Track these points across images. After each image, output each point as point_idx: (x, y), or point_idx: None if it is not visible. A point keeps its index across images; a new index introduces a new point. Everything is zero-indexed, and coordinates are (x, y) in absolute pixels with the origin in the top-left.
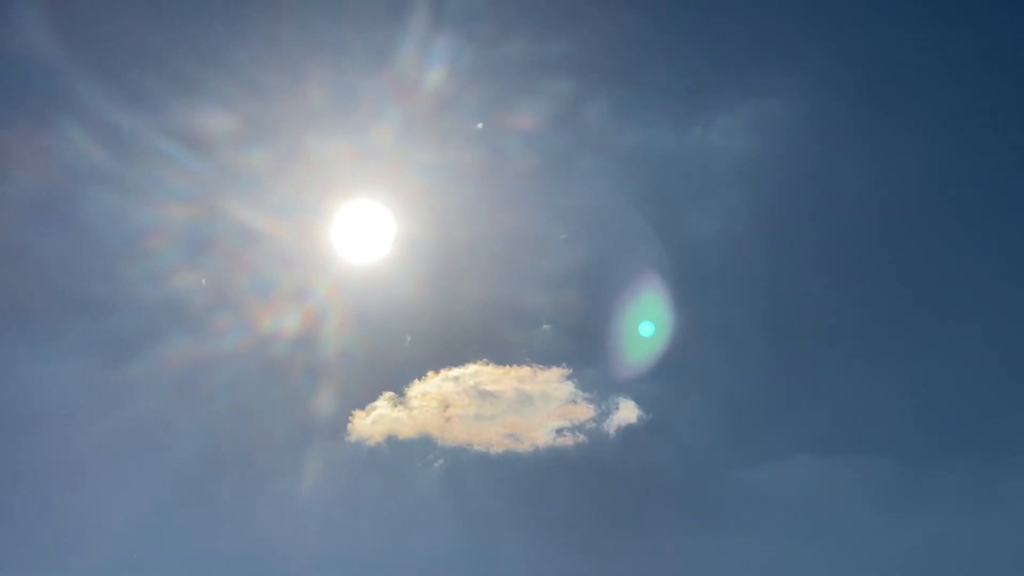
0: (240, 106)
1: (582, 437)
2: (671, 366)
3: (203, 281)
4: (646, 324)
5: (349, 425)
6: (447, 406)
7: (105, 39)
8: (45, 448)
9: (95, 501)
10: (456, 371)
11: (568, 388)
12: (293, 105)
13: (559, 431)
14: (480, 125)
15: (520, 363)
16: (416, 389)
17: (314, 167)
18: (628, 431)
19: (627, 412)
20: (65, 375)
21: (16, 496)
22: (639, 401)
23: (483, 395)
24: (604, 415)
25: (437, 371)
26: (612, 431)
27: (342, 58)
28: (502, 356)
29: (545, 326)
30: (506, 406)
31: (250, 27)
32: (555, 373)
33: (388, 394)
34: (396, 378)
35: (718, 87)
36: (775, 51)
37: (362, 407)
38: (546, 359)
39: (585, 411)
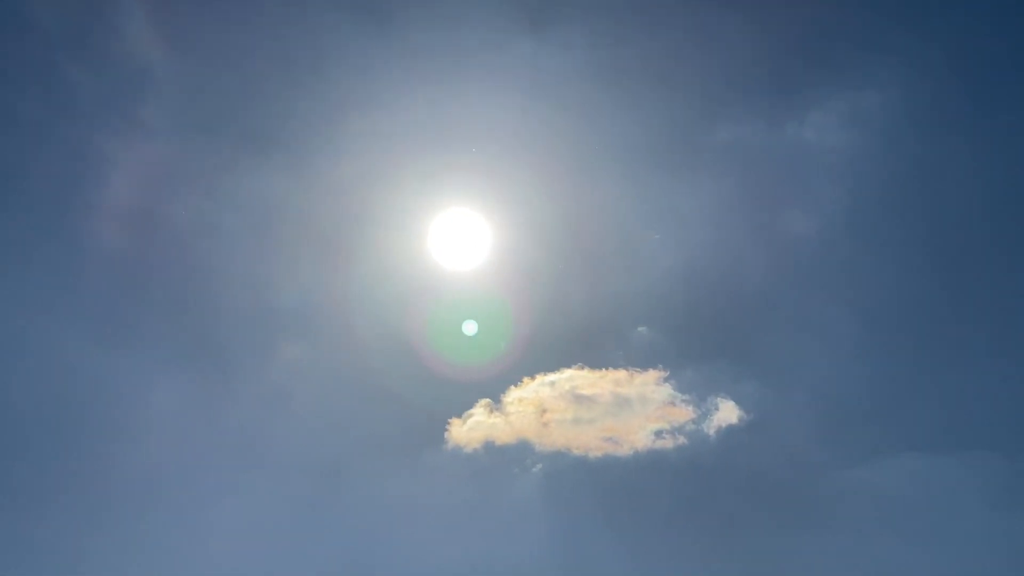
0: (342, 116)
1: (682, 439)
2: (771, 365)
3: (306, 290)
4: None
5: (446, 432)
6: (544, 411)
7: (207, 49)
8: (152, 455)
9: (199, 508)
10: (552, 376)
11: (665, 390)
12: (394, 115)
13: (658, 433)
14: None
15: (616, 366)
16: (513, 395)
17: (414, 176)
18: (729, 432)
19: (727, 413)
20: (170, 384)
21: (122, 502)
22: (739, 401)
23: (580, 399)
24: (703, 416)
25: (533, 377)
26: (712, 432)
27: (442, 70)
28: (597, 360)
29: (641, 328)
30: (603, 410)
31: (361, 38)
32: (651, 375)
33: (485, 401)
34: (493, 385)
35: (812, 81)
36: (871, 42)
37: (459, 414)
38: (642, 361)
39: (684, 413)
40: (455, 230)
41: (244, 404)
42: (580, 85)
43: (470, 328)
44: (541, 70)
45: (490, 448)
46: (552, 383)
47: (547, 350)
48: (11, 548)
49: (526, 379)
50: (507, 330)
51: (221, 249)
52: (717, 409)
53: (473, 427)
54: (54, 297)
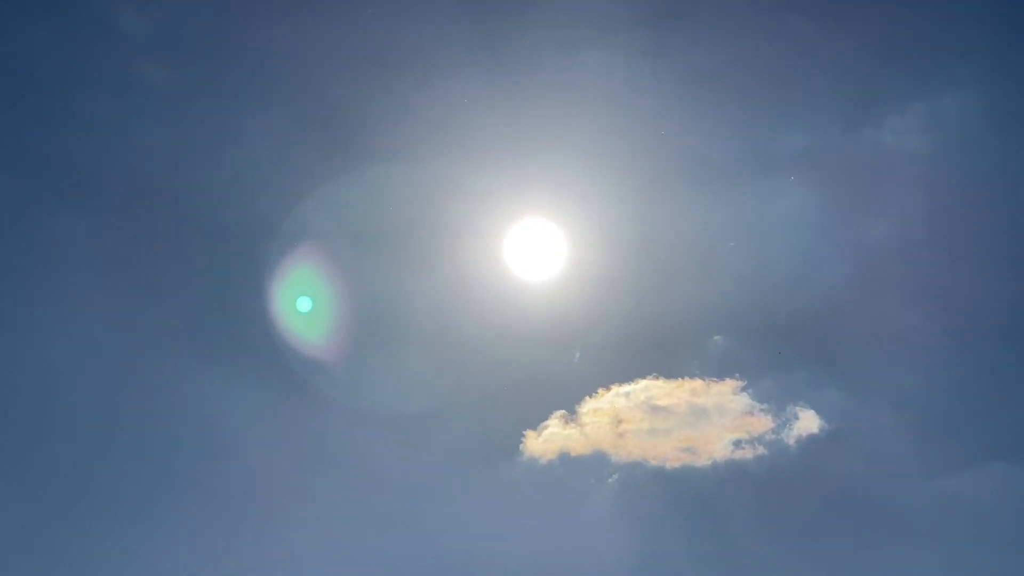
0: (412, 124)
1: (761, 449)
2: (852, 373)
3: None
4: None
5: (522, 444)
6: (619, 422)
7: (301, 58)
8: (238, 466)
9: (280, 523)
10: (627, 387)
11: (743, 400)
12: (466, 124)
13: (737, 443)
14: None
15: (692, 376)
16: (587, 406)
17: (487, 185)
18: (810, 441)
19: (808, 422)
20: (253, 395)
21: (198, 518)
22: (819, 410)
23: (655, 410)
24: (783, 426)
25: (608, 387)
26: (792, 442)
27: (516, 81)
28: (673, 370)
29: (716, 337)
30: (680, 420)
31: (439, 43)
32: (728, 385)
33: (560, 412)
34: (567, 396)
35: (888, 84)
36: (948, 44)
37: (534, 426)
38: (718, 371)
39: (763, 422)
40: (530, 240)
41: (322, 417)
42: (654, 93)
43: (544, 338)
44: (614, 79)
45: (565, 459)
46: (627, 393)
47: (622, 360)
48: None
49: (601, 390)
50: (580, 340)
51: (301, 258)
52: (797, 418)
53: (548, 439)
54: (138, 300)
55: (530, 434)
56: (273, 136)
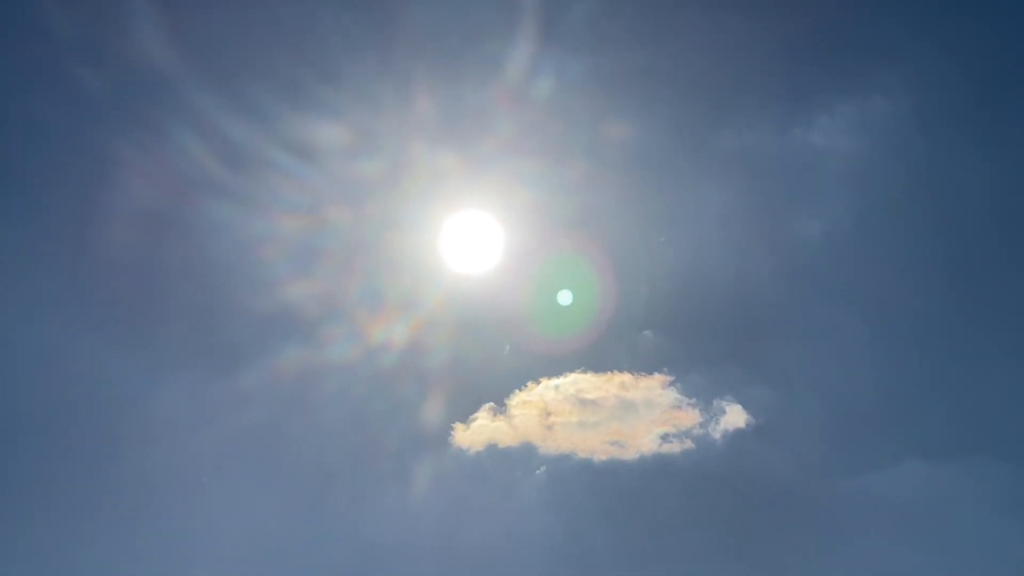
0: (351, 118)
1: (688, 443)
2: (779, 369)
3: (313, 292)
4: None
5: (451, 436)
6: (548, 414)
7: (219, 53)
8: (160, 458)
9: (208, 510)
10: (556, 380)
11: (671, 394)
12: (403, 117)
13: (664, 437)
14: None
15: (620, 370)
16: (516, 399)
17: (421, 178)
18: (736, 436)
19: (734, 417)
20: (179, 386)
21: (131, 505)
22: (746, 405)
23: (584, 403)
24: (710, 420)
25: (537, 380)
26: (719, 436)
27: (452, 70)
28: (602, 364)
29: (646, 332)
30: (608, 413)
31: (361, 40)
32: (657, 380)
33: (488, 404)
34: (496, 388)
35: (819, 86)
36: (879, 47)
37: (463, 418)
38: (647, 366)
39: (690, 417)
40: (461, 233)
41: (253, 407)
42: (584, 89)
43: (476, 331)
44: (544, 74)
45: (493, 451)
46: (556, 387)
47: (551, 354)
48: (14, 549)
49: (530, 383)
50: (511, 334)
51: (230, 251)
52: (724, 413)
53: (477, 431)
54: (65, 301)
55: (459, 426)
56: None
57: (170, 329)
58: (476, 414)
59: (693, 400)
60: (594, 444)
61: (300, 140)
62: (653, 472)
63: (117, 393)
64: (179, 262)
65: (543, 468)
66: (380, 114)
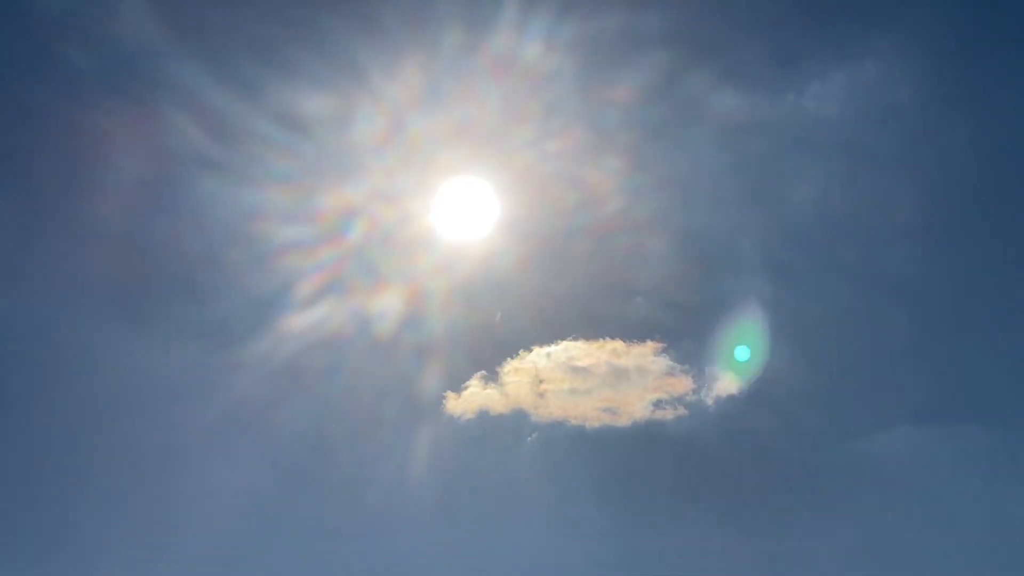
0: (339, 86)
1: (681, 409)
2: (771, 335)
3: (304, 264)
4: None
5: (442, 405)
6: (540, 382)
7: (205, 23)
8: (154, 433)
9: (204, 484)
10: (548, 348)
11: (664, 361)
12: (393, 84)
13: (657, 404)
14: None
15: (612, 337)
16: (508, 367)
17: (412, 145)
18: (728, 402)
19: (727, 383)
20: (172, 360)
21: (125, 481)
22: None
23: (576, 370)
24: (703, 387)
25: (529, 349)
26: (712, 402)
27: (442, 35)
28: (593, 331)
29: (637, 299)
30: (600, 380)
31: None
32: (649, 347)
33: (480, 373)
34: (488, 357)
35: (811, 52)
36: (870, 12)
37: (455, 387)
38: (639, 333)
39: (683, 383)
40: (452, 201)
41: (246, 379)
42: (575, 53)
43: (467, 300)
44: (535, 38)
45: (485, 418)
46: (548, 355)
47: (543, 322)
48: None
49: (522, 351)
50: (502, 302)
51: (222, 224)
52: (716, 379)
53: (468, 398)
54: (59, 282)
55: (451, 395)
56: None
57: (163, 303)
58: (468, 382)
59: (686, 367)
60: (586, 411)
61: (290, 110)
62: (646, 439)
63: (113, 366)
64: (171, 236)
65: (535, 435)
66: (369, 82)
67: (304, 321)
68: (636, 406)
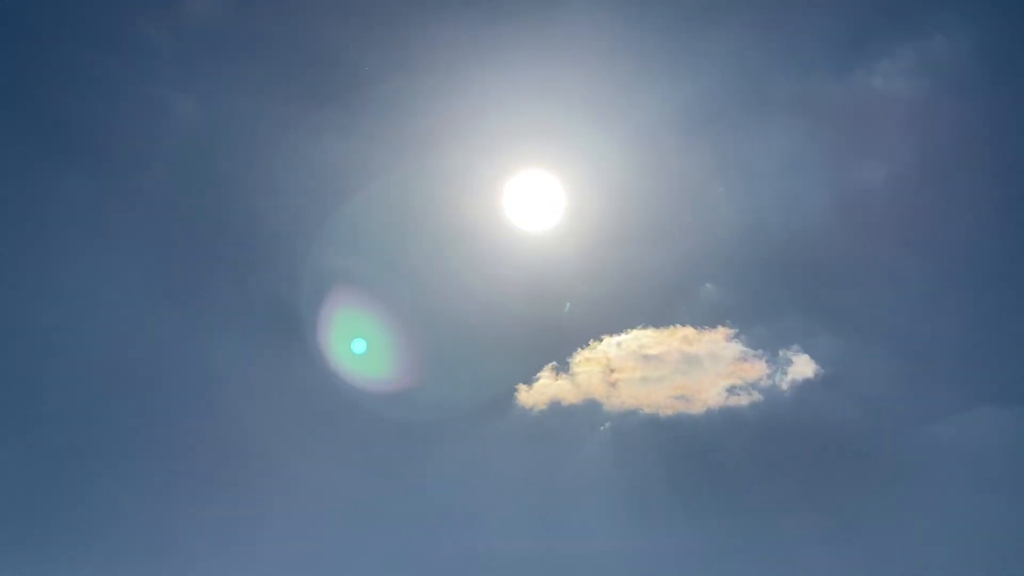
0: (411, 77)
1: (756, 395)
2: (846, 318)
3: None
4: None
5: (515, 397)
6: (611, 371)
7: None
8: (227, 419)
9: (292, 478)
10: (618, 337)
11: (736, 346)
12: (467, 76)
13: (731, 390)
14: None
15: (682, 324)
16: (579, 357)
17: (482, 138)
18: (804, 386)
19: (802, 367)
20: (244, 347)
21: (190, 464)
22: (814, 355)
23: (647, 359)
24: (777, 371)
25: (599, 339)
26: (787, 387)
27: (506, 30)
28: (663, 319)
29: (707, 285)
30: (672, 368)
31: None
32: (720, 333)
33: (551, 364)
34: (558, 348)
35: (879, 29)
36: None
37: (527, 380)
38: (709, 319)
39: (757, 368)
40: (522, 192)
41: (315, 368)
42: (644, 42)
43: (536, 292)
44: (604, 27)
45: (557, 408)
46: (618, 344)
47: (612, 311)
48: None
49: (592, 341)
50: (571, 292)
51: (291, 210)
52: (791, 363)
53: (540, 390)
54: (128, 257)
55: (522, 387)
56: (253, 89)
57: (231, 290)
58: (539, 374)
59: (759, 352)
60: (659, 399)
61: (360, 98)
62: (721, 425)
63: (176, 352)
64: (236, 221)
65: (608, 425)
66: (442, 74)
67: (374, 313)
68: (709, 393)
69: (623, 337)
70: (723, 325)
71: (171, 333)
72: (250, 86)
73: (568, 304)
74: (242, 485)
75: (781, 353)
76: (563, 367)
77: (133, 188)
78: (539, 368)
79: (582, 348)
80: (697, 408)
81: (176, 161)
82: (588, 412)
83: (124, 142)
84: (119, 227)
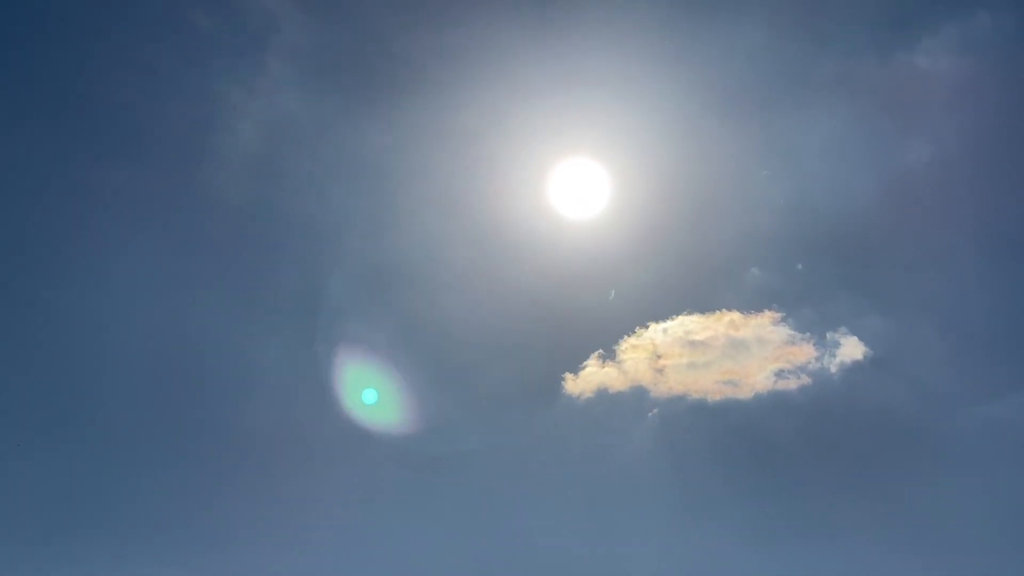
0: (455, 69)
1: (805, 378)
2: (894, 299)
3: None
4: None
5: (561, 386)
6: (658, 357)
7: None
8: (269, 414)
9: (321, 463)
10: (664, 324)
11: (783, 330)
12: (510, 67)
13: (779, 374)
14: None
15: (728, 309)
16: (625, 344)
17: (524, 126)
18: (854, 368)
19: (851, 349)
20: (284, 338)
21: (237, 462)
22: (862, 337)
23: (694, 344)
24: (826, 354)
25: (644, 325)
26: (836, 370)
27: (553, 21)
28: (708, 304)
29: (753, 269)
30: (719, 353)
31: None
32: (767, 316)
33: (597, 352)
34: (604, 336)
35: (921, 6)
36: None
37: (573, 368)
38: (755, 303)
39: (805, 352)
40: (565, 180)
41: (359, 360)
42: (685, 26)
43: (582, 280)
44: (646, 14)
45: (604, 396)
46: (664, 330)
47: (657, 298)
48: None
49: (638, 328)
50: (615, 279)
51: (338, 200)
52: (839, 346)
53: (586, 378)
54: (180, 246)
55: (569, 376)
56: (304, 80)
57: (275, 279)
58: (585, 362)
59: (806, 335)
60: (706, 384)
61: (405, 90)
62: (769, 409)
63: (223, 345)
64: (285, 210)
65: (655, 411)
66: (484, 63)
67: (419, 303)
68: (757, 377)
69: (669, 323)
70: (770, 309)
71: (216, 326)
72: (299, 80)
73: (613, 292)
74: (267, 482)
75: (829, 336)
76: (609, 355)
77: (183, 180)
78: (585, 356)
79: (628, 335)
80: (745, 393)
81: (226, 153)
82: (635, 399)
83: (173, 134)
84: (167, 219)
